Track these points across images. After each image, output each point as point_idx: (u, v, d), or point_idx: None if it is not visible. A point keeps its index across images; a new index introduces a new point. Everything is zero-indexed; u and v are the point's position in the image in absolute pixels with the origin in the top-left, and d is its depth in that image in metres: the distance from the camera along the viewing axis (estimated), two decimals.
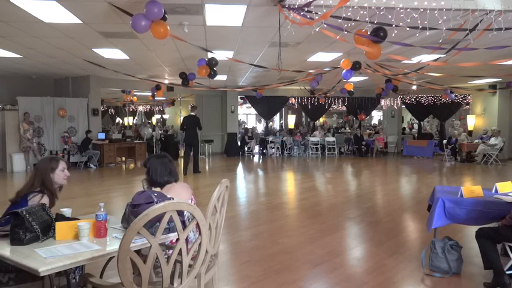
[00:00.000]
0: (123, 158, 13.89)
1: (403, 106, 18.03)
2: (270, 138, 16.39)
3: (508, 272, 3.34)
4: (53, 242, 2.24)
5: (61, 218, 2.45)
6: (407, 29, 4.63)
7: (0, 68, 10.85)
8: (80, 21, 6.09)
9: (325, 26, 4.47)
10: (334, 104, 18.04)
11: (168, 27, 4.80)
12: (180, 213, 2.19)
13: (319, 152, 16.11)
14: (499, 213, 3.52)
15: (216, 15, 5.88)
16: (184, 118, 10.88)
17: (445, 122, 17.76)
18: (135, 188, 8.31)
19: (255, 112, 20.41)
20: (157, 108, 23.28)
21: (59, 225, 2.29)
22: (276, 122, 24.76)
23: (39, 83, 13.13)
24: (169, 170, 2.89)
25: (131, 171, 12.03)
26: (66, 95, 12.93)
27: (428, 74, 9.41)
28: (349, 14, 4.53)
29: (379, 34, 4.41)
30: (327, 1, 4.50)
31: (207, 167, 12.64)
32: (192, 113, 10.75)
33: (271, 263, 4.00)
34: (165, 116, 23.78)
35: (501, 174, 10.55)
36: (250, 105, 18.53)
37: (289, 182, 10.15)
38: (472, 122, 15.24)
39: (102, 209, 2.31)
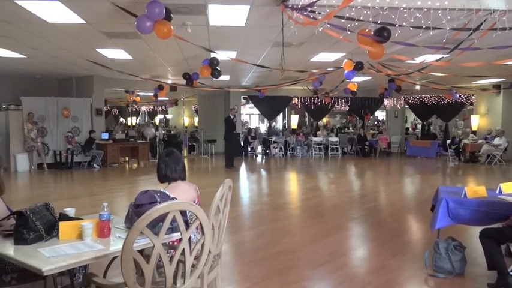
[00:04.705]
0: (126, 158, 13.92)
1: (407, 106, 17.98)
2: (273, 138, 16.39)
3: None
4: (57, 241, 2.25)
5: (64, 217, 2.45)
6: (411, 28, 4.62)
7: (4, 68, 10.90)
8: (84, 22, 6.11)
9: (329, 26, 4.46)
10: (338, 104, 18.01)
11: (172, 27, 4.81)
12: (183, 213, 2.19)
13: (322, 152, 16.09)
14: (503, 214, 3.49)
15: (219, 16, 5.88)
16: None
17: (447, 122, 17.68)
18: (138, 188, 8.33)
19: (258, 112, 20.38)
20: (160, 108, 23.30)
21: (63, 225, 2.30)
22: (279, 122, 24.73)
23: (43, 83, 13.17)
24: (174, 168, 2.81)
25: (134, 171, 12.06)
26: (70, 95, 12.97)
27: (432, 73, 9.37)
28: (352, 14, 4.52)
29: (383, 34, 4.39)
30: (330, 1, 4.50)
31: (210, 167, 12.65)
32: (230, 114, 12.06)
33: (274, 263, 4.00)
34: (168, 116, 23.79)
35: (505, 175, 10.49)
36: (253, 105, 18.53)
37: (292, 182, 10.14)
38: (476, 122, 15.17)
39: (105, 209, 2.31)
